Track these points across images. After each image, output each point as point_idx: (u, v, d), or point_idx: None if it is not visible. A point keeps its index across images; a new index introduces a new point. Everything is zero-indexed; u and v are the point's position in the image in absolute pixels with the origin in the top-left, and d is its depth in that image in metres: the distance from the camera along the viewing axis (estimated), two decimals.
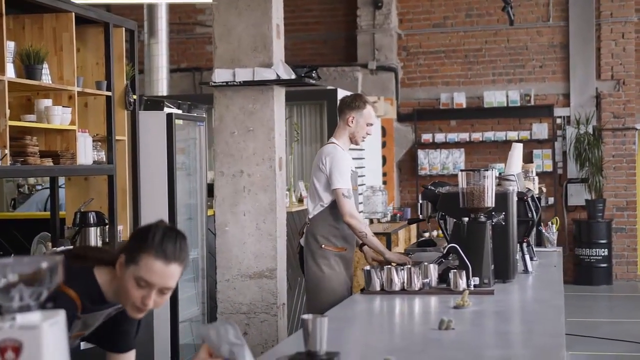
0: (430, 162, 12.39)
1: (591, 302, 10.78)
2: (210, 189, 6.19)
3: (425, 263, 4.26)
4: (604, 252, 11.71)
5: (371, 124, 5.02)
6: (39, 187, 8.57)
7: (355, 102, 5.00)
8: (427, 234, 10.52)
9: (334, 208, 4.88)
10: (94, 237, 5.30)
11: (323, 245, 4.94)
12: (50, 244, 5.32)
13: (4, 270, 1.70)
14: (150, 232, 2.56)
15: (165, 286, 2.56)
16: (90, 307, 2.63)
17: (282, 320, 5.55)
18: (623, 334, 8.41)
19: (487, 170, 4.34)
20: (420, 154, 12.40)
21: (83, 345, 3.00)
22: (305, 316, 2.61)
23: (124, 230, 5.67)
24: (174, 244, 2.55)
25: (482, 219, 4.31)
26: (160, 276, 2.53)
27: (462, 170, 4.37)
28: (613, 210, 12.05)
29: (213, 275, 5.98)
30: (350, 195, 4.85)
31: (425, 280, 4.18)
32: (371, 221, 9.94)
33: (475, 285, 4.17)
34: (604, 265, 11.73)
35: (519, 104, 12.19)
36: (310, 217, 5.00)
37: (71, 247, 4.89)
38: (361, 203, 9.42)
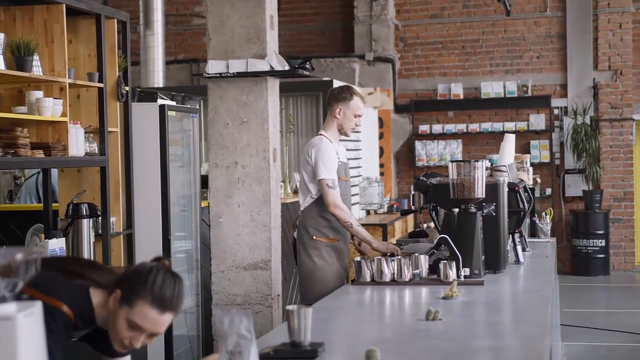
0: (428, 153, 12.38)
1: (588, 293, 10.79)
2: (205, 181, 6.18)
3: (416, 254, 4.26)
4: (601, 242, 11.71)
5: (359, 115, 5.01)
6: None
7: (342, 93, 4.99)
8: (424, 225, 10.52)
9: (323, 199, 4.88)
10: (87, 228, 5.29)
11: (314, 237, 4.94)
12: (43, 235, 5.32)
13: None
14: (151, 275, 2.55)
15: (156, 332, 2.57)
16: (81, 326, 2.64)
17: (277, 311, 5.55)
18: (619, 325, 8.42)
19: (478, 161, 4.34)
20: (418, 145, 12.39)
21: None
22: (289, 307, 2.62)
23: (116, 222, 5.66)
24: (171, 291, 2.55)
25: (473, 209, 4.31)
26: (153, 324, 2.54)
27: (452, 161, 4.37)
28: (610, 201, 12.05)
29: (207, 266, 5.98)
30: (334, 186, 4.85)
31: (416, 271, 4.19)
32: (367, 212, 9.94)
33: (465, 276, 4.18)
34: (601, 256, 11.73)
35: (516, 95, 12.17)
36: (301, 209, 5.01)
37: (66, 256, 4.86)
38: (356, 194, 9.42)
